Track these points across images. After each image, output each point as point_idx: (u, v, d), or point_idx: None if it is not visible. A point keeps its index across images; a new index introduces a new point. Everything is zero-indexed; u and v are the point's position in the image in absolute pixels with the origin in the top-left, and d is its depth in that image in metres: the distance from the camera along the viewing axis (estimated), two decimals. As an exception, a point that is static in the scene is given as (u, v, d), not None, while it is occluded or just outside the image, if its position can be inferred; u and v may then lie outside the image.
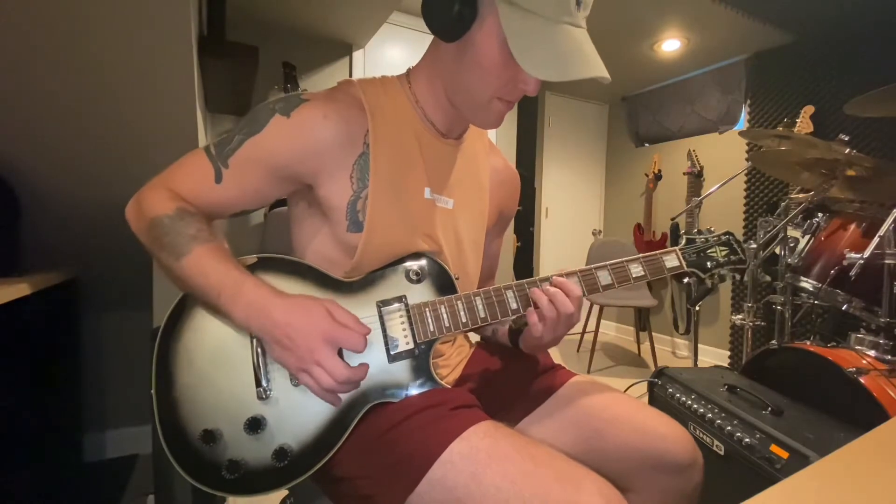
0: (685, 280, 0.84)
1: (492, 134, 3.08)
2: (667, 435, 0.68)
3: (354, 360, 0.60)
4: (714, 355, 3.18)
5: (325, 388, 0.56)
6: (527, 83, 0.62)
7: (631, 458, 0.67)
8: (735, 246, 0.79)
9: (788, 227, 1.66)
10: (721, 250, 0.78)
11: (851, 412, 1.05)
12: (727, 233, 0.80)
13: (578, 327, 3.33)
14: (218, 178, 0.63)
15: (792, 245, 1.68)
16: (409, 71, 0.73)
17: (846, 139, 1.54)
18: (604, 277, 0.70)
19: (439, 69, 0.68)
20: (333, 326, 0.57)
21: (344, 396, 0.61)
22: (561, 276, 0.68)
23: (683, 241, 0.79)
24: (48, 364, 1.35)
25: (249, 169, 0.63)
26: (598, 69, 0.58)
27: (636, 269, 0.72)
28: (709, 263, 0.77)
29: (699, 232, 0.80)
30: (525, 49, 0.56)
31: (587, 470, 0.54)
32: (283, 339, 0.56)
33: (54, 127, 1.10)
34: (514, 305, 0.67)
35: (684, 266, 0.75)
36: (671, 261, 0.75)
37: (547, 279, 0.68)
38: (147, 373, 0.60)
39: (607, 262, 0.71)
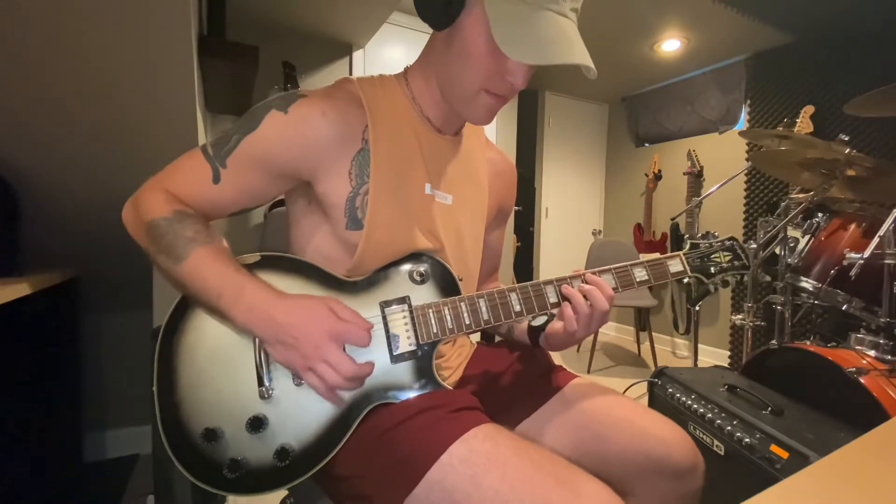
0: (685, 280, 0.83)
1: (492, 134, 3.08)
2: (668, 439, 0.68)
3: (359, 358, 0.60)
4: (714, 355, 3.18)
5: (332, 384, 0.56)
6: (514, 75, 0.62)
7: (632, 462, 0.67)
8: (738, 251, 0.79)
9: (788, 227, 1.66)
10: (724, 255, 0.78)
11: (851, 412, 1.05)
12: (731, 238, 0.80)
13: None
14: (216, 179, 0.63)
15: (792, 245, 1.68)
16: (406, 69, 0.73)
17: (846, 139, 1.54)
18: (609, 281, 0.70)
19: (432, 62, 0.68)
20: (337, 323, 0.57)
21: (346, 397, 0.60)
22: (568, 277, 0.68)
23: (687, 246, 0.79)
24: (48, 364, 1.35)
25: (248, 168, 0.63)
26: (581, 57, 0.58)
27: (640, 274, 0.72)
28: (712, 268, 0.77)
29: (703, 236, 0.80)
30: (507, 34, 0.56)
31: (587, 474, 0.54)
32: (287, 339, 0.56)
33: (54, 127, 1.10)
34: (517, 308, 0.67)
35: (688, 271, 0.76)
36: (675, 266, 0.75)
37: (553, 281, 0.69)
38: (147, 373, 0.60)
39: (612, 266, 0.71)
